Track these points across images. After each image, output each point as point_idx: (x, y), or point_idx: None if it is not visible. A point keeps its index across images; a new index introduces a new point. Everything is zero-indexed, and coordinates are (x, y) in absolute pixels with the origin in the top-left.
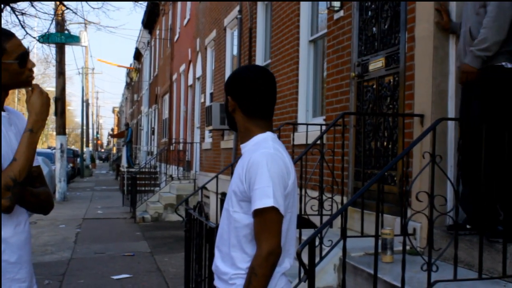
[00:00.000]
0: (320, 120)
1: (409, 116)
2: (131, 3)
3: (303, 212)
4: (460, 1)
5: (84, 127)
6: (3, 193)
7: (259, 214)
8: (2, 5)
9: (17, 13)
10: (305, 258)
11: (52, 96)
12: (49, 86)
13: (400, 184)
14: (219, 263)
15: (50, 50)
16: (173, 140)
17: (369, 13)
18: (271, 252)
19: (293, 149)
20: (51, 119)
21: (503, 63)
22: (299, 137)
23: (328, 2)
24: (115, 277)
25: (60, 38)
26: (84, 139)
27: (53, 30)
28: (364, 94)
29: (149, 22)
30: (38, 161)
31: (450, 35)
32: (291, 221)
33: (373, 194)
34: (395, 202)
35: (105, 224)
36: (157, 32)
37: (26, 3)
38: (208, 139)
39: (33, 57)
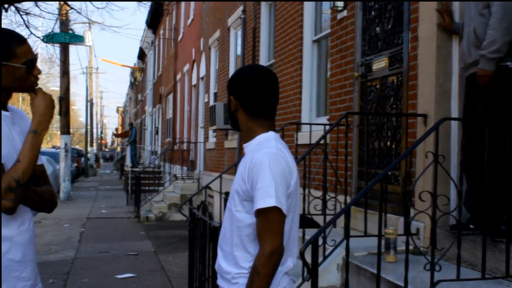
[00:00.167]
0: (323, 120)
1: (412, 116)
2: (135, 3)
3: (306, 212)
4: (463, 1)
5: (88, 127)
6: (6, 194)
7: (261, 213)
8: (6, 5)
9: (21, 13)
10: (308, 257)
11: (56, 95)
12: (54, 86)
13: (403, 184)
14: (222, 262)
15: (54, 50)
16: (177, 140)
17: (373, 13)
18: (274, 252)
19: (297, 148)
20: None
21: (508, 63)
22: (303, 137)
23: (332, 2)
24: (119, 276)
25: (65, 37)
26: (88, 139)
27: (57, 30)
28: (367, 94)
29: (153, 22)
30: (42, 160)
31: (454, 35)
32: (294, 220)
33: (376, 193)
34: (398, 201)
35: (109, 224)
36: (161, 32)
37: (31, 3)
38: (212, 139)
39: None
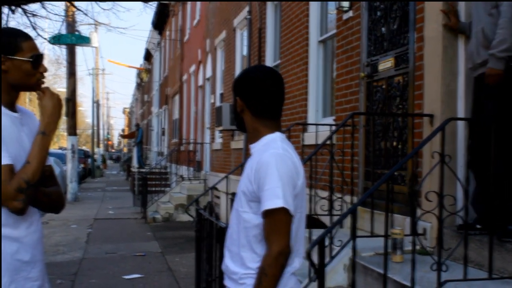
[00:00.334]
0: (329, 120)
1: (418, 116)
2: (141, 4)
3: (313, 212)
4: (469, 1)
5: (95, 128)
6: (16, 195)
7: (269, 214)
8: (13, 7)
9: (28, 14)
10: (315, 258)
11: (63, 97)
12: (60, 87)
13: (410, 184)
14: (229, 263)
15: (61, 51)
16: (184, 141)
17: (378, 13)
18: (281, 252)
19: (303, 149)
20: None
21: None
22: (309, 137)
23: (337, 3)
24: (126, 277)
25: (71, 39)
26: (95, 140)
27: (64, 31)
28: (373, 94)
29: (159, 23)
30: (50, 161)
31: (460, 36)
32: (300, 221)
33: (383, 194)
34: (405, 202)
35: (116, 224)
36: (167, 33)
37: (37, 5)
38: (218, 140)
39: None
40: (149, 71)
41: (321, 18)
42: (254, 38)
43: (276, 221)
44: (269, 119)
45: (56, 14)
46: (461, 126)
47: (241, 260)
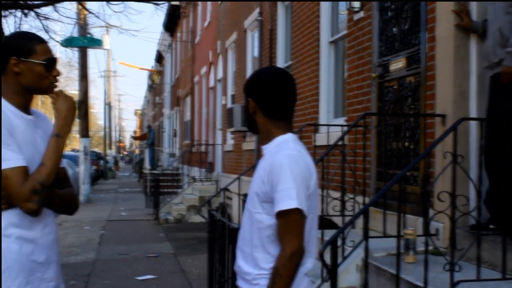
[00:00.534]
0: (341, 121)
1: (430, 116)
2: (152, 6)
3: (325, 213)
4: (481, 1)
5: (107, 130)
6: (30, 196)
7: (282, 215)
8: (26, 10)
9: (41, 18)
10: (327, 258)
11: (75, 99)
12: (72, 89)
13: (422, 184)
14: (242, 264)
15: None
16: (195, 142)
17: (389, 13)
18: (295, 253)
19: (315, 150)
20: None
21: None
22: (321, 138)
23: (348, 3)
24: (139, 278)
25: (83, 41)
26: (107, 142)
27: (75, 34)
28: (385, 94)
29: (170, 24)
30: (63, 163)
31: (472, 35)
32: (313, 221)
33: (395, 194)
34: (417, 202)
35: (129, 226)
36: (178, 34)
37: (50, 8)
38: (230, 141)
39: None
40: (160, 73)
41: (332, 19)
42: (265, 39)
43: (289, 222)
44: (281, 120)
45: (68, 17)
46: (473, 126)
47: (254, 261)
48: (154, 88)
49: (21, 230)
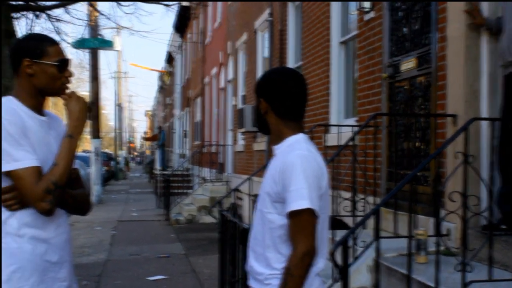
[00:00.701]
0: (352, 121)
1: (441, 116)
2: (163, 7)
3: (336, 213)
4: (493, 1)
5: (118, 131)
6: (44, 196)
7: (294, 215)
8: (38, 12)
9: (52, 19)
10: (338, 258)
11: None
12: (83, 91)
13: (433, 185)
14: (254, 264)
15: (84, 55)
16: (206, 143)
17: (400, 13)
18: (307, 253)
19: (326, 150)
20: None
21: None
22: (331, 138)
23: (358, 3)
24: (150, 279)
25: (94, 43)
26: (118, 143)
27: (87, 35)
28: (395, 94)
29: (181, 26)
30: (76, 163)
31: (483, 35)
32: (324, 221)
33: (406, 194)
34: (428, 202)
35: (140, 226)
36: (189, 35)
37: (61, 10)
38: (240, 141)
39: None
40: (171, 74)
41: (342, 19)
42: (276, 40)
43: (301, 222)
44: (293, 120)
45: (80, 19)
46: (484, 126)
47: (266, 261)
48: (164, 89)
49: (34, 230)
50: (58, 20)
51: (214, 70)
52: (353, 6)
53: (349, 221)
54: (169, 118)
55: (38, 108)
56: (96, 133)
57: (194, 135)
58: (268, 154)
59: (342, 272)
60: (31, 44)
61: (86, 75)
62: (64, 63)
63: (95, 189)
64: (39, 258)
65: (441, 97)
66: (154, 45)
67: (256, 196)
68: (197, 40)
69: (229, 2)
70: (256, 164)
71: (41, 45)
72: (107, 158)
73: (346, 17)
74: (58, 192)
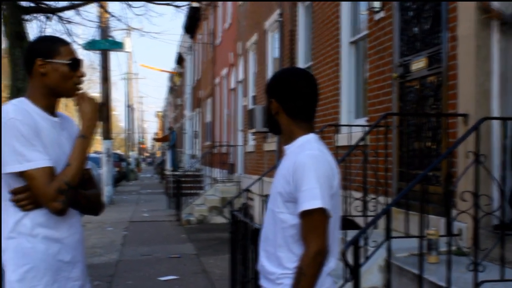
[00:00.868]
0: (362, 121)
1: (452, 116)
2: (173, 9)
3: (347, 213)
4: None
5: (129, 132)
6: (56, 196)
7: (306, 215)
8: (49, 14)
9: (63, 21)
10: (349, 258)
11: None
12: (94, 92)
13: (444, 184)
14: (265, 263)
15: (95, 57)
16: (216, 143)
17: (410, 13)
18: (319, 252)
19: (336, 150)
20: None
21: None
22: (342, 139)
23: (368, 3)
24: (162, 279)
25: (105, 44)
26: (129, 144)
27: (97, 37)
28: (406, 94)
29: (191, 27)
30: (88, 164)
31: (494, 34)
32: (336, 221)
33: (417, 194)
34: (439, 202)
35: (151, 227)
36: (199, 36)
37: (72, 12)
38: (251, 142)
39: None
40: (181, 75)
41: (352, 19)
42: (286, 40)
43: (314, 222)
44: (304, 120)
45: (91, 21)
46: (496, 125)
47: (278, 260)
48: (175, 90)
49: (47, 230)
50: (69, 22)
51: (224, 71)
52: (363, 6)
53: (360, 221)
54: (179, 119)
55: (50, 109)
56: (107, 134)
57: (204, 135)
58: (279, 154)
59: (353, 272)
60: (43, 44)
61: (97, 76)
62: (76, 62)
63: (106, 190)
64: (52, 258)
65: (452, 96)
66: (164, 46)
67: (267, 196)
68: (207, 41)
69: (239, 3)
70: (266, 165)
71: (53, 45)
72: (118, 159)
73: (356, 17)
74: (70, 192)
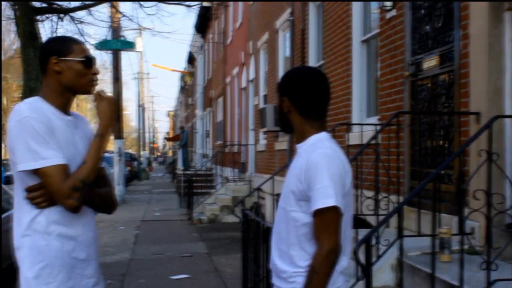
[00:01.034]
0: (374, 120)
1: (464, 114)
2: (184, 8)
3: (359, 212)
4: None
5: (140, 131)
6: (71, 193)
7: (320, 213)
8: (62, 15)
9: (76, 22)
10: (361, 257)
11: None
12: (106, 92)
13: (457, 183)
14: (278, 262)
15: (106, 57)
16: (228, 143)
17: (422, 11)
18: (331, 251)
19: (348, 149)
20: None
21: None
22: (354, 137)
23: (380, 2)
24: (174, 277)
25: (116, 44)
26: (141, 143)
27: (109, 37)
28: (418, 93)
29: (202, 26)
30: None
31: (506, 32)
32: (348, 220)
33: (429, 193)
34: (452, 201)
35: (163, 226)
36: (210, 36)
37: (84, 12)
38: (262, 141)
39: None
40: (192, 74)
41: (363, 18)
42: (297, 39)
43: (327, 220)
44: (316, 119)
45: (102, 21)
46: (508, 123)
47: (290, 259)
48: (186, 90)
49: (62, 227)
50: (81, 22)
51: (235, 70)
52: (374, 5)
53: (372, 220)
54: (191, 118)
55: (64, 107)
56: (119, 134)
57: (216, 135)
58: (290, 153)
59: (365, 271)
60: (57, 43)
61: (108, 76)
62: (89, 59)
63: (118, 189)
64: (66, 255)
65: (464, 95)
66: (176, 46)
67: (278, 195)
68: (218, 40)
69: (250, 2)
70: (278, 163)
71: (66, 43)
72: (130, 159)
73: (368, 16)
74: (85, 190)
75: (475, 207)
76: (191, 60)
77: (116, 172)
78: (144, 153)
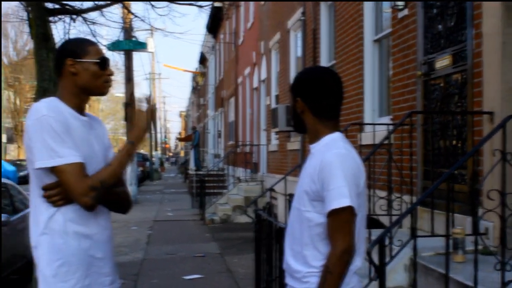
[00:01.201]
0: (386, 119)
1: (478, 114)
2: (196, 9)
3: (372, 212)
4: None
5: (152, 132)
6: (88, 191)
7: (334, 214)
8: (74, 16)
9: (88, 23)
10: (375, 257)
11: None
12: (118, 92)
13: (470, 183)
14: (291, 262)
15: (119, 57)
16: (240, 143)
17: (434, 10)
18: (346, 251)
19: (360, 149)
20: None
21: None
22: (366, 137)
23: (392, 1)
24: (186, 278)
25: (128, 45)
26: (153, 143)
27: (121, 38)
28: (431, 92)
29: (213, 26)
30: None
31: None
32: (362, 220)
33: (442, 193)
34: (465, 201)
35: (175, 226)
36: (221, 36)
37: (97, 13)
38: (274, 141)
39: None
40: (204, 75)
41: (375, 17)
42: (309, 39)
43: (341, 220)
44: (329, 119)
45: (115, 22)
46: None
47: (304, 259)
48: (198, 90)
49: (78, 226)
50: (94, 23)
51: (247, 70)
52: (386, 4)
53: (385, 220)
54: (203, 119)
55: (80, 108)
56: None
57: (228, 135)
58: (302, 154)
59: (379, 271)
60: (72, 45)
61: (121, 77)
62: (104, 61)
63: (131, 190)
64: (84, 253)
65: (477, 94)
66: (187, 46)
67: (291, 195)
68: (229, 41)
69: (261, 2)
70: (290, 164)
71: (82, 45)
72: (142, 159)
73: (379, 15)
74: (102, 191)
75: (489, 207)
76: (202, 60)
77: (129, 172)
78: (156, 154)
